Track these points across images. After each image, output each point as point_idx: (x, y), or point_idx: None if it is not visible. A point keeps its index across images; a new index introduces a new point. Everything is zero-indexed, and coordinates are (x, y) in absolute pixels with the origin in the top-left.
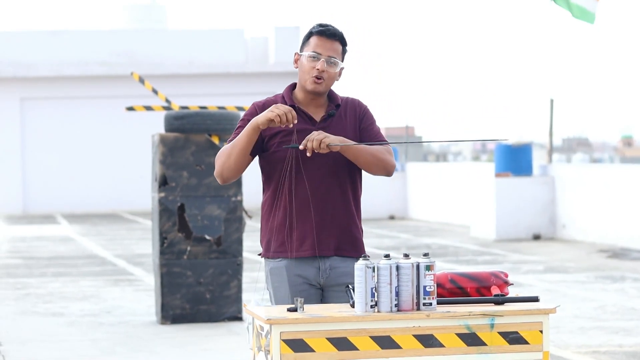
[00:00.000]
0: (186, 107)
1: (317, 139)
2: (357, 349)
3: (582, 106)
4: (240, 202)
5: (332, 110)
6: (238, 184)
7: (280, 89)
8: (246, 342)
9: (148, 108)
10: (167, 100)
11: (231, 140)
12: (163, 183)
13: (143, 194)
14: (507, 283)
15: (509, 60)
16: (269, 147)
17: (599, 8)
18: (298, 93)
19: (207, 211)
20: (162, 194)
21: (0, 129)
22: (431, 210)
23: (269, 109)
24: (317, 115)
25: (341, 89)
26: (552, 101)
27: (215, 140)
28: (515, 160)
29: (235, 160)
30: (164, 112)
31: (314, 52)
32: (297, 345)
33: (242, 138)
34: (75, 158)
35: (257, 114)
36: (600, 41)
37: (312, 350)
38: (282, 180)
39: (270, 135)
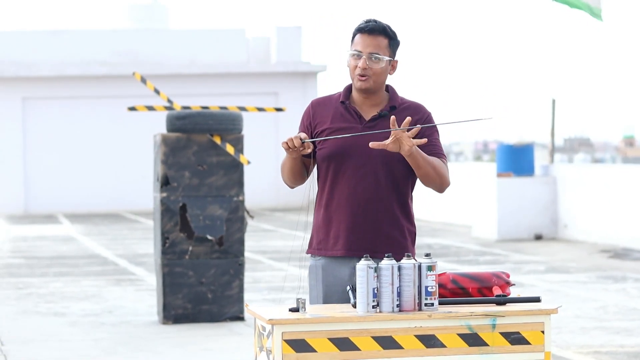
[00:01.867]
0: (188, 107)
1: (405, 137)
2: (358, 349)
3: (583, 106)
4: (242, 202)
5: (385, 111)
6: (240, 184)
7: (282, 89)
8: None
9: (150, 108)
10: (169, 100)
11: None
12: (165, 183)
13: (145, 193)
14: (508, 283)
15: (510, 60)
16: (318, 144)
17: (604, 4)
18: (353, 92)
19: (209, 211)
20: (164, 194)
21: (1, 128)
22: (433, 210)
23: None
24: (369, 114)
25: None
26: (553, 101)
27: (217, 140)
28: (517, 160)
29: (287, 176)
30: (165, 112)
31: (355, 50)
32: (299, 345)
33: (286, 162)
34: (77, 158)
35: (310, 111)
36: (602, 41)
37: (314, 351)
38: (324, 178)
39: (318, 133)
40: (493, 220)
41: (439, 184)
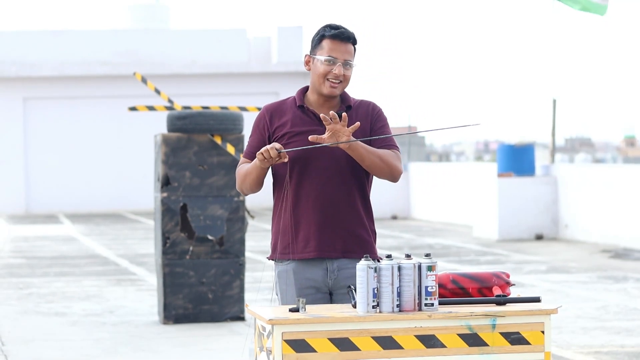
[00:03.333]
0: (189, 107)
1: (342, 129)
2: (359, 350)
3: (584, 106)
4: (243, 202)
5: (341, 111)
6: None
7: (282, 89)
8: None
9: (150, 108)
10: (170, 100)
11: (246, 152)
12: (165, 183)
13: (146, 193)
14: (508, 283)
15: (511, 59)
16: None
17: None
18: (310, 95)
19: (209, 211)
20: (165, 194)
21: (3, 128)
22: (434, 210)
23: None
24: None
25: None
26: (554, 101)
27: (218, 140)
28: (517, 160)
29: (250, 185)
30: (166, 112)
31: (329, 56)
32: (299, 345)
33: (252, 170)
34: (77, 158)
35: (264, 118)
36: (603, 41)
37: (314, 351)
38: (286, 182)
39: (277, 138)
40: (494, 220)
41: (389, 172)
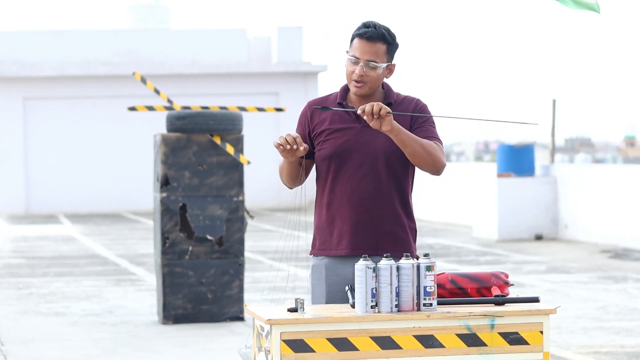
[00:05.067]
0: (188, 107)
1: (375, 110)
2: (357, 350)
3: (584, 106)
4: (242, 202)
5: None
6: (240, 184)
7: (282, 89)
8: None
9: (150, 108)
10: (169, 100)
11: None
12: (165, 183)
13: (145, 193)
14: (507, 284)
15: (511, 60)
16: (316, 145)
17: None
18: (350, 92)
19: (209, 211)
20: (164, 194)
21: (2, 128)
22: (433, 210)
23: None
24: None
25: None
26: (554, 101)
27: (217, 140)
28: (517, 160)
29: (286, 180)
30: (166, 112)
31: (352, 56)
32: (298, 345)
33: (284, 165)
34: (77, 158)
35: (307, 113)
36: (603, 41)
37: (313, 351)
38: (324, 178)
39: (317, 135)
40: (494, 220)
41: (431, 163)
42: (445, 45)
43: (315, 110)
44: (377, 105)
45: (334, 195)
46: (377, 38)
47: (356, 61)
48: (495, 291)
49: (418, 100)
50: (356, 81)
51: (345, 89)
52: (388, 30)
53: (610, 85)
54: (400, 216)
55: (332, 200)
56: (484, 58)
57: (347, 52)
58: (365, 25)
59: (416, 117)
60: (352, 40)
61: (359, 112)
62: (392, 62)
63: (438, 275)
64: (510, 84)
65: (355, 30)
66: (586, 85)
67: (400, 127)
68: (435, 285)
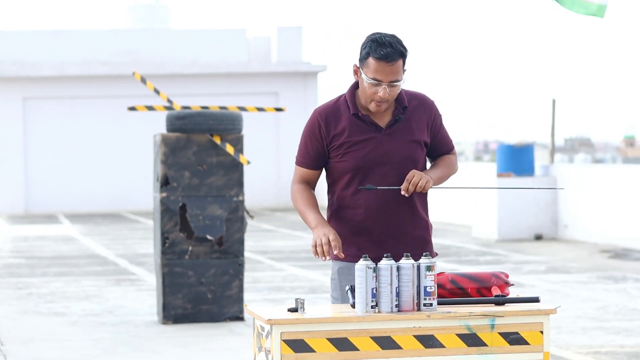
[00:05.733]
0: (188, 107)
1: (420, 185)
2: (357, 350)
3: (584, 106)
4: (242, 202)
5: (399, 115)
6: (240, 184)
7: (282, 89)
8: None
9: (150, 108)
10: (169, 100)
11: (302, 161)
12: (165, 183)
13: (145, 193)
14: (507, 284)
15: (511, 60)
16: (333, 156)
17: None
18: (363, 100)
19: (208, 211)
20: (164, 194)
21: (2, 128)
22: (433, 210)
23: (315, 237)
24: (383, 121)
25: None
26: (554, 101)
27: (217, 140)
28: (517, 160)
29: (297, 211)
30: (166, 112)
31: (374, 79)
32: (298, 345)
33: (304, 218)
34: (77, 158)
35: (319, 124)
36: (603, 41)
37: (313, 351)
38: (344, 189)
39: (333, 147)
40: (493, 220)
41: (452, 177)
42: (445, 45)
43: (329, 119)
44: (422, 180)
45: (357, 207)
46: (397, 57)
47: (378, 83)
48: (496, 291)
49: (426, 97)
50: (378, 102)
51: (353, 96)
52: (401, 42)
53: (609, 86)
54: (424, 219)
55: (355, 211)
56: (484, 58)
57: (361, 69)
58: (380, 43)
59: (432, 121)
60: (366, 57)
61: (403, 192)
62: (406, 70)
63: (438, 275)
64: (510, 84)
65: (369, 49)
66: (586, 85)
67: (435, 172)
68: (436, 285)
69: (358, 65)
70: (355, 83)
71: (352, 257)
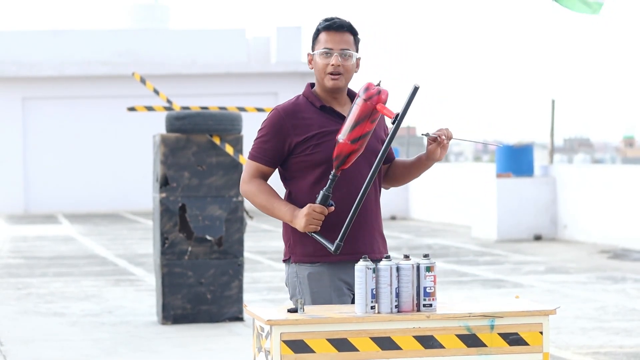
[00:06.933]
0: (187, 108)
1: (448, 135)
2: (357, 350)
3: (583, 106)
4: (242, 202)
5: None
6: (239, 184)
7: (282, 89)
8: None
9: (149, 108)
10: (169, 101)
11: (257, 156)
12: (164, 183)
13: (144, 194)
14: (380, 92)
15: (510, 60)
16: (302, 150)
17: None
18: (320, 93)
19: (208, 211)
20: (163, 195)
21: (2, 128)
22: (432, 210)
23: (306, 218)
24: (346, 111)
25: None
26: (553, 101)
27: (217, 140)
28: (516, 160)
29: (257, 208)
30: (165, 113)
31: (325, 48)
32: (298, 346)
33: (273, 212)
34: (77, 158)
35: (284, 120)
36: (602, 41)
37: (313, 351)
38: (315, 183)
39: (303, 140)
40: (493, 220)
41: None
42: (445, 45)
43: (295, 115)
44: (449, 130)
45: (332, 200)
46: (346, 28)
47: (329, 52)
48: (382, 108)
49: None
50: (332, 73)
51: (314, 93)
52: (351, 22)
53: (609, 86)
54: (380, 217)
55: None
56: (484, 58)
57: (313, 51)
58: (328, 18)
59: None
60: (316, 37)
61: (442, 139)
62: (359, 56)
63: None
64: (510, 84)
65: (319, 26)
66: (585, 86)
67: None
68: (435, 286)
69: (311, 53)
70: (310, 83)
71: (327, 256)
